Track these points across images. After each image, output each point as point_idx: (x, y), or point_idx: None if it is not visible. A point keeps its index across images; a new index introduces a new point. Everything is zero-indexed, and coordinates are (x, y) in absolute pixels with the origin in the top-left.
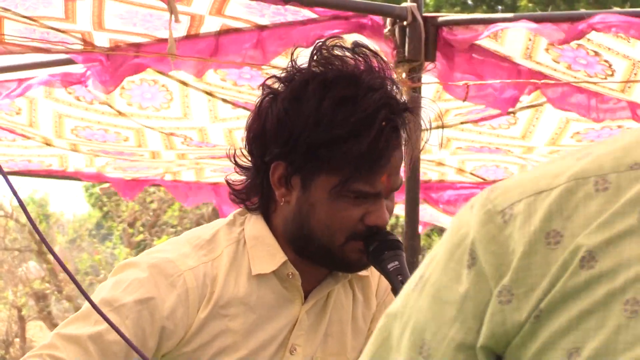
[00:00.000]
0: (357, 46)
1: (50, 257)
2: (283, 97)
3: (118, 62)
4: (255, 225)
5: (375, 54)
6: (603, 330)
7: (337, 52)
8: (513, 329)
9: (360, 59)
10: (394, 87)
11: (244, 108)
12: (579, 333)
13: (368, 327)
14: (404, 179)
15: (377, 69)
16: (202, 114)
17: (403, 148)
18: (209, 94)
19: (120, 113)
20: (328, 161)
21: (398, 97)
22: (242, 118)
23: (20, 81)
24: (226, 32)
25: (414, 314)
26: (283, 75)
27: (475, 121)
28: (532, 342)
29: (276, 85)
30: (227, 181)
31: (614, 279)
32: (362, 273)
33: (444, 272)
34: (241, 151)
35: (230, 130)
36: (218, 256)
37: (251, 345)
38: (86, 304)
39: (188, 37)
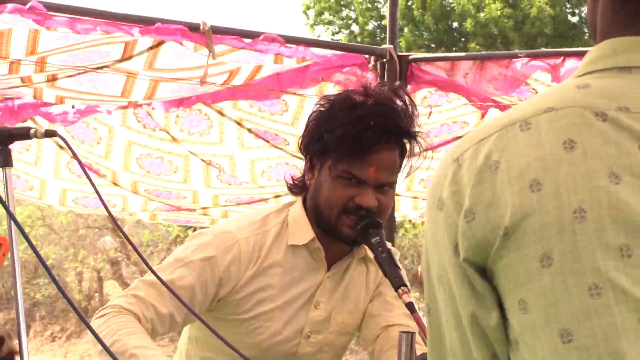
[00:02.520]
0: (394, 88)
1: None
2: (318, 110)
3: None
4: (295, 211)
5: (403, 93)
6: (564, 235)
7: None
8: (483, 241)
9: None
10: (406, 115)
11: (264, 139)
12: (543, 242)
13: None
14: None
15: (398, 101)
16: (232, 141)
17: (397, 157)
18: (239, 122)
19: (174, 139)
20: (331, 147)
21: (406, 122)
22: (262, 148)
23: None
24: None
25: (432, 260)
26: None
27: (434, 147)
28: (505, 251)
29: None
30: (285, 179)
31: (559, 196)
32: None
33: (431, 222)
34: (289, 185)
35: (252, 161)
36: (267, 231)
37: (285, 298)
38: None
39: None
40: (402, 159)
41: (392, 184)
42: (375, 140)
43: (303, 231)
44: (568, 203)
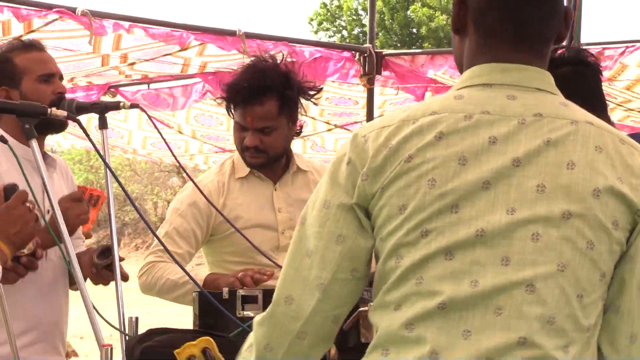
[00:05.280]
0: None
1: (184, 175)
2: None
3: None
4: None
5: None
6: (417, 194)
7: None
8: (370, 194)
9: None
10: (275, 74)
11: None
12: (404, 197)
13: None
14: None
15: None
16: None
17: (272, 106)
18: None
19: (219, 104)
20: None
21: (273, 81)
22: None
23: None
24: None
25: (322, 193)
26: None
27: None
28: (381, 200)
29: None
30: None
31: (421, 168)
32: (305, 168)
33: (336, 169)
34: None
35: None
36: (224, 172)
37: (252, 209)
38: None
39: None
40: (282, 105)
41: (270, 127)
42: (244, 99)
43: (242, 166)
44: (426, 174)
